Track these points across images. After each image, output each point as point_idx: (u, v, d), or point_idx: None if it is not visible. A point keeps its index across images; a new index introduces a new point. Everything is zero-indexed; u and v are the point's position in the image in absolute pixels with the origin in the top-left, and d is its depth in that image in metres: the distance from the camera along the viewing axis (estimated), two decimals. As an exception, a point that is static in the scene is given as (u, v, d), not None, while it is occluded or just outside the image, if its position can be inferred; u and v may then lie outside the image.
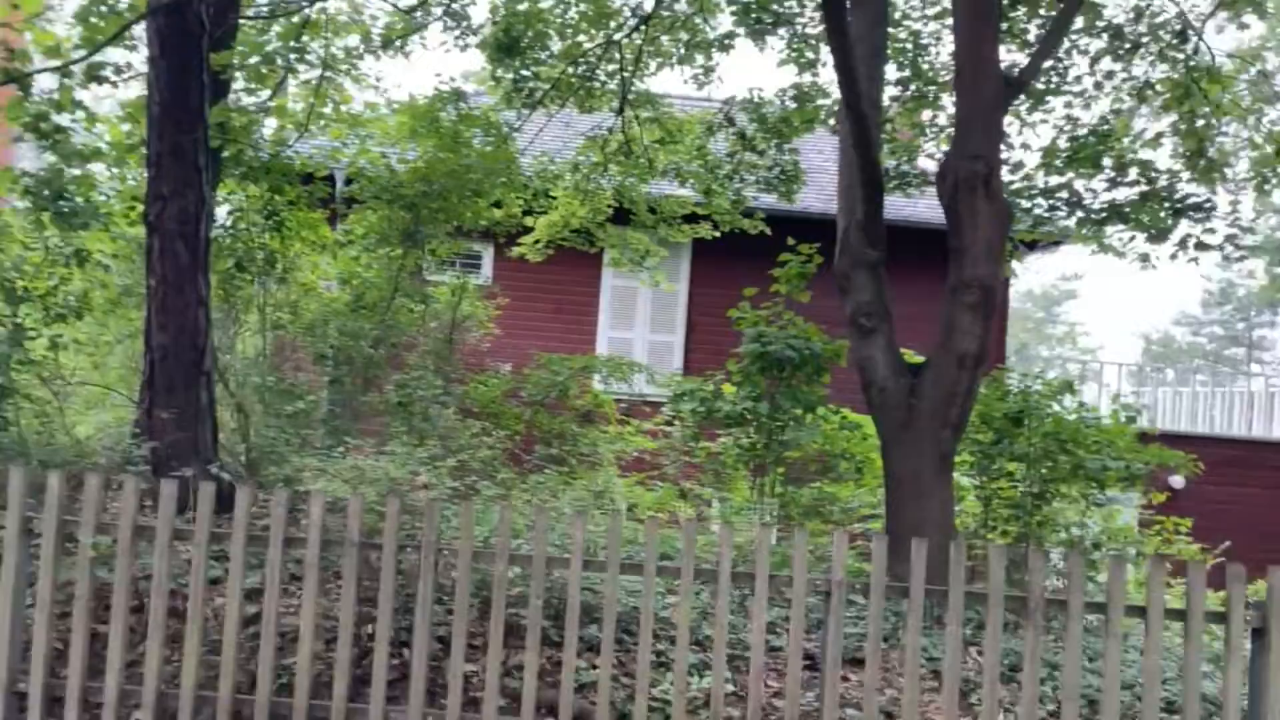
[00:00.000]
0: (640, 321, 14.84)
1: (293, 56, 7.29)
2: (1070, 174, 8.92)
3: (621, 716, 4.60)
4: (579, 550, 4.29)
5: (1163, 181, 8.96)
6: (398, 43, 8.67)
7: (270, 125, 8.97)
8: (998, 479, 7.36)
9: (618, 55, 10.53)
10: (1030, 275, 35.75)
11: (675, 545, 5.96)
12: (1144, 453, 7.77)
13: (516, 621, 4.83)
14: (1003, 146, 9.17)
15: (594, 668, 4.72)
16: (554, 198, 12.16)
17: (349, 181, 9.49)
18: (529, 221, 12.15)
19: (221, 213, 8.48)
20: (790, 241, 7.60)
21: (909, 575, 4.43)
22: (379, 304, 7.97)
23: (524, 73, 10.53)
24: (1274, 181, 9.88)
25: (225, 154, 7.52)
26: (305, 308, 8.92)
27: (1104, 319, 47.38)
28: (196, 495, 4.49)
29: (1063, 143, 9.37)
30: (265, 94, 8.56)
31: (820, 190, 13.98)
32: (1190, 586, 4.42)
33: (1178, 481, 15.15)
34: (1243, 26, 9.16)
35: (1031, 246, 15.58)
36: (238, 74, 7.48)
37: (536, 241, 12.41)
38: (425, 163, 7.75)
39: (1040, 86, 9.34)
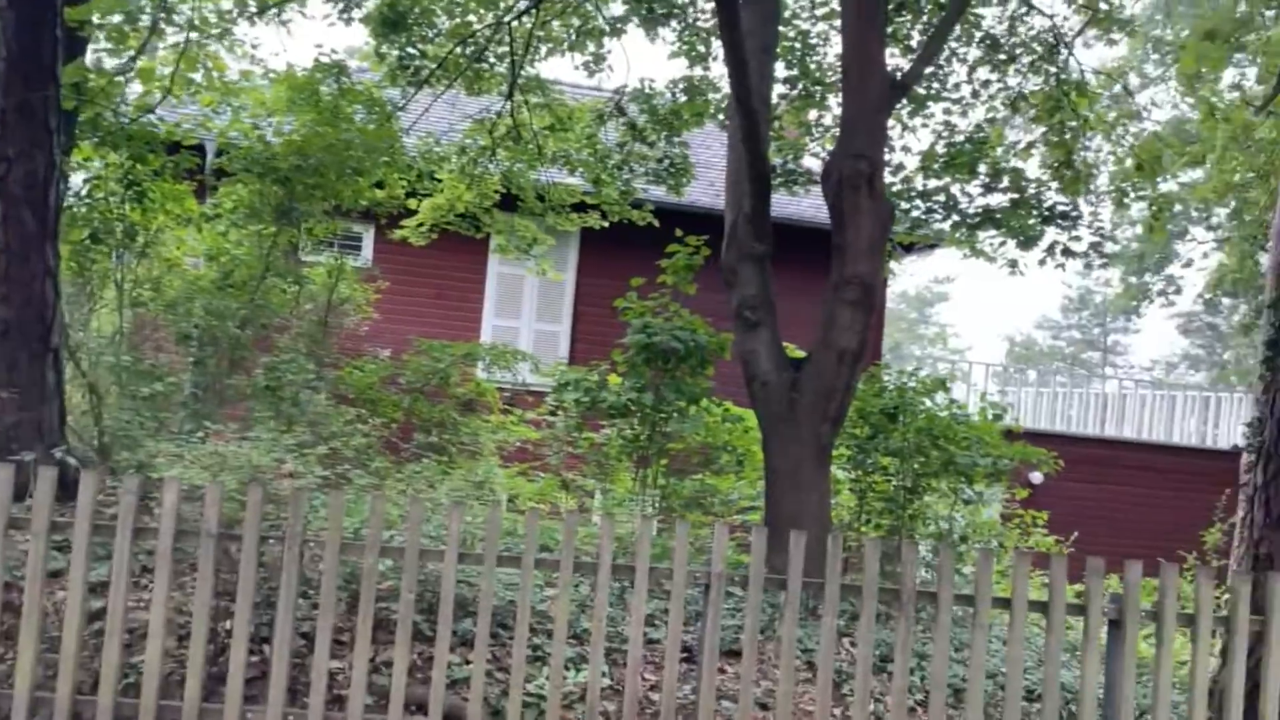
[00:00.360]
0: (526, 310, 14.64)
1: (159, 16, 6.85)
2: (947, 179, 9.19)
3: (495, 713, 4.48)
4: (454, 542, 4.15)
5: (1032, 190, 9.32)
6: (275, 10, 8.27)
7: (136, 90, 8.43)
8: (872, 473, 7.52)
9: (508, 38, 10.33)
10: (906, 277, 37.04)
11: (556, 537, 5.86)
12: (1009, 449, 8.07)
13: (388, 616, 4.65)
14: (885, 148, 9.40)
15: (468, 663, 4.58)
16: (439, 180, 11.86)
17: (220, 153, 9.02)
18: (412, 204, 11.82)
19: (76, 180, 7.92)
20: (679, 234, 7.58)
21: (787, 567, 4.44)
22: (248, 283, 7.58)
23: (410, 50, 10.22)
24: (1132, 195, 10.43)
25: (81, 117, 7.02)
26: (169, 285, 8.43)
27: (972, 321, 49.51)
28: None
29: (941, 148, 9.66)
30: (128, 55, 8.03)
31: (709, 185, 14.05)
32: (1052, 579, 4.58)
33: (1037, 477, 15.86)
34: (1111, 43, 9.60)
35: (909, 249, 16.07)
36: (97, 32, 6.99)
37: (420, 225, 12.08)
38: (301, 136, 7.40)
39: (921, 91, 9.59)
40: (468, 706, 4.22)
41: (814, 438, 6.36)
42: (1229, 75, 16.76)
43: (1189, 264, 23.66)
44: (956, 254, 10.70)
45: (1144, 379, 19.67)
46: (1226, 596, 4.91)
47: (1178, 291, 23.79)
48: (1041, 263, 9.43)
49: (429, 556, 4.27)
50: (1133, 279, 23.49)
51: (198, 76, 9.80)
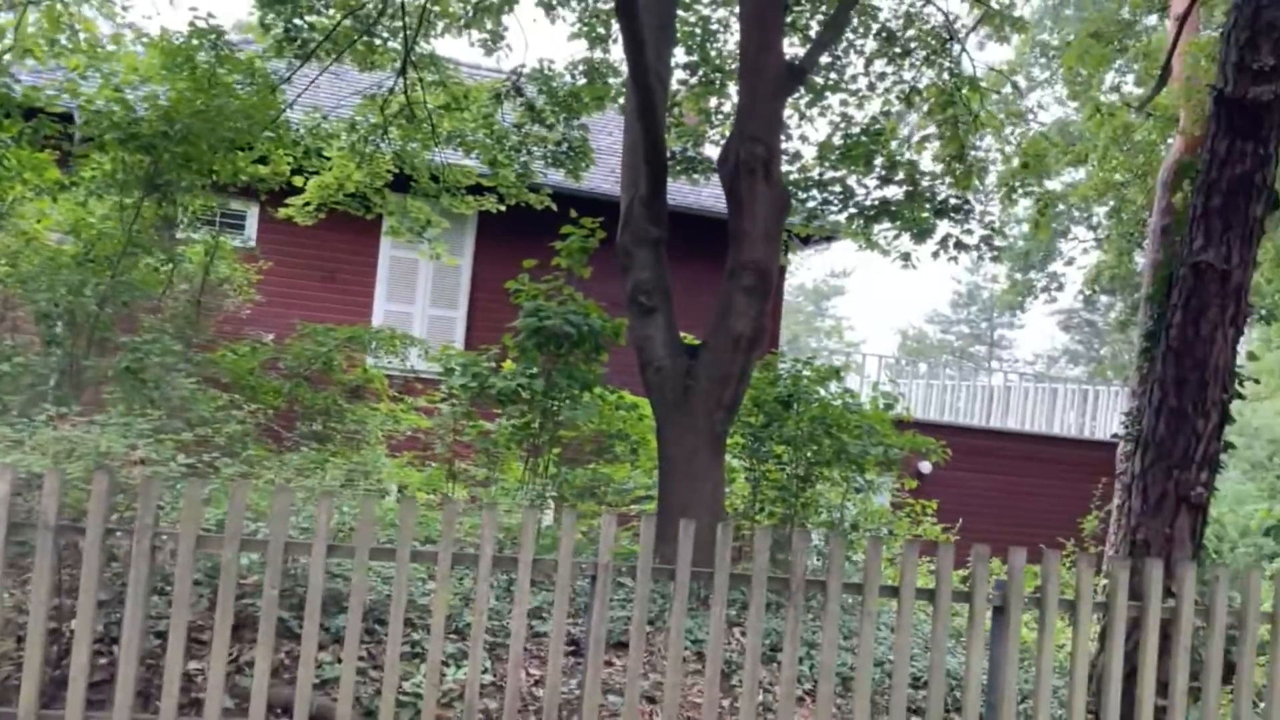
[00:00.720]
0: (420, 295, 14.23)
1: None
2: (844, 170, 9.23)
3: (368, 713, 4.24)
4: (323, 533, 3.89)
5: (926, 184, 9.44)
6: (146, -32, 7.73)
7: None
8: (766, 461, 7.48)
9: (401, 12, 9.95)
10: (804, 271, 37.62)
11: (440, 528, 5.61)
12: (900, 439, 8.15)
13: (253, 613, 4.35)
14: (783, 138, 9.39)
15: (339, 661, 4.32)
16: (328, 158, 11.39)
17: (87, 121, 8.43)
18: (299, 181, 11.31)
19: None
20: (574, 217, 7.38)
21: (676, 557, 4.32)
22: (112, 258, 7.08)
23: (296, 21, 9.76)
24: (1020, 192, 10.68)
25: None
26: (27, 259, 7.83)
27: (867, 315, 50.71)
28: None
29: (837, 139, 9.70)
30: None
31: (610, 172, 13.88)
32: (939, 568, 4.57)
33: (925, 467, 16.23)
34: (1003, 40, 9.78)
35: (806, 241, 16.24)
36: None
37: (307, 204, 11.56)
38: (169, 101, 6.93)
39: (819, 82, 9.62)
40: (337, 707, 3.97)
41: (708, 425, 6.27)
42: (1110, 79, 17.43)
43: (1070, 262, 24.60)
44: (852, 247, 10.80)
45: (1027, 373, 20.40)
46: (1105, 582, 4.99)
47: (1060, 288, 24.77)
48: (935, 255, 9.57)
49: (296, 549, 4.00)
50: (1018, 275, 24.35)
51: (63, 38, 9.12)
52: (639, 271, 6.41)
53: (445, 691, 4.42)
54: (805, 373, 7.24)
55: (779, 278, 6.29)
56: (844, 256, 54.82)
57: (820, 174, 9.24)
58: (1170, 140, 13.04)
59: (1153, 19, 15.48)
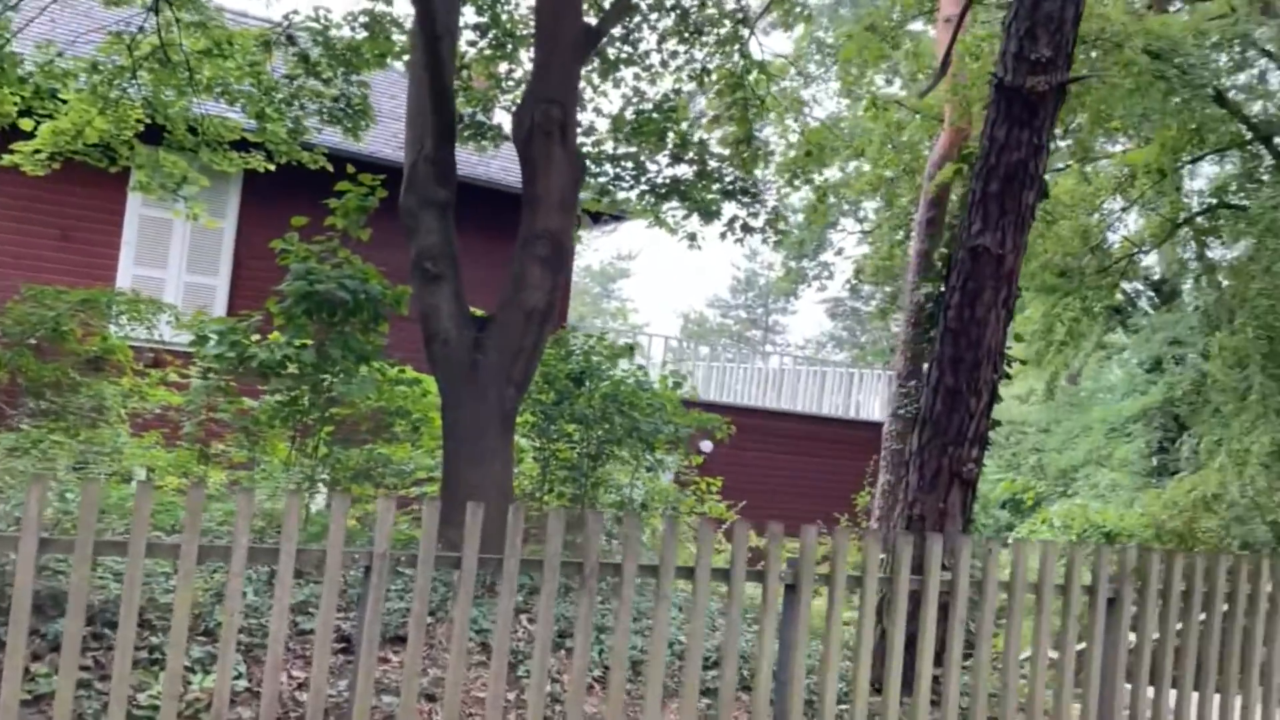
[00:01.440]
0: (176, 259, 12.93)
1: None
2: (636, 145, 9.09)
3: (93, 733, 3.63)
4: (34, 525, 3.25)
5: (715, 164, 9.46)
6: None
7: None
8: (557, 440, 7.23)
9: (153, -62, 8.89)
10: (590, 252, 37.67)
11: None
12: (689, 417, 8.12)
13: (-54, 621, 3.62)
14: (578, 102, 9.13)
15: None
16: (64, 100, 10.07)
17: None
18: (27, 125, 9.95)
19: None
20: (351, 173, 6.79)
21: (462, 543, 3.97)
22: None
23: (23, -63, 8.51)
24: (801, 179, 10.96)
25: None
26: None
27: (651, 298, 51.66)
28: None
29: (630, 114, 9.54)
30: None
31: (393, 136, 13.13)
32: (734, 547, 4.47)
33: (707, 446, 16.60)
34: (789, 28, 9.94)
35: (596, 219, 16.13)
36: None
37: (38, 151, 10.19)
38: None
39: (613, 54, 9.42)
40: (53, 730, 3.35)
41: (498, 402, 5.92)
42: (880, 80, 18.37)
43: (840, 252, 25.94)
44: (639, 228, 10.74)
45: (799, 356, 21.34)
46: (883, 557, 5.09)
47: (830, 277, 26.09)
48: (722, 236, 9.63)
49: (4, 544, 3.33)
50: (793, 264, 25.41)
51: None
52: (424, 236, 5.95)
53: (190, 702, 3.87)
54: (597, 350, 7.02)
55: (572, 249, 6.01)
56: (630, 239, 55.53)
57: (614, 149, 9.05)
58: (936, 138, 13.86)
59: (919, 24, 16.43)
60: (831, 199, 24.22)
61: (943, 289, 5.85)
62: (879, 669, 4.84)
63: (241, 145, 10.48)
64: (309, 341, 5.46)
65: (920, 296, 10.20)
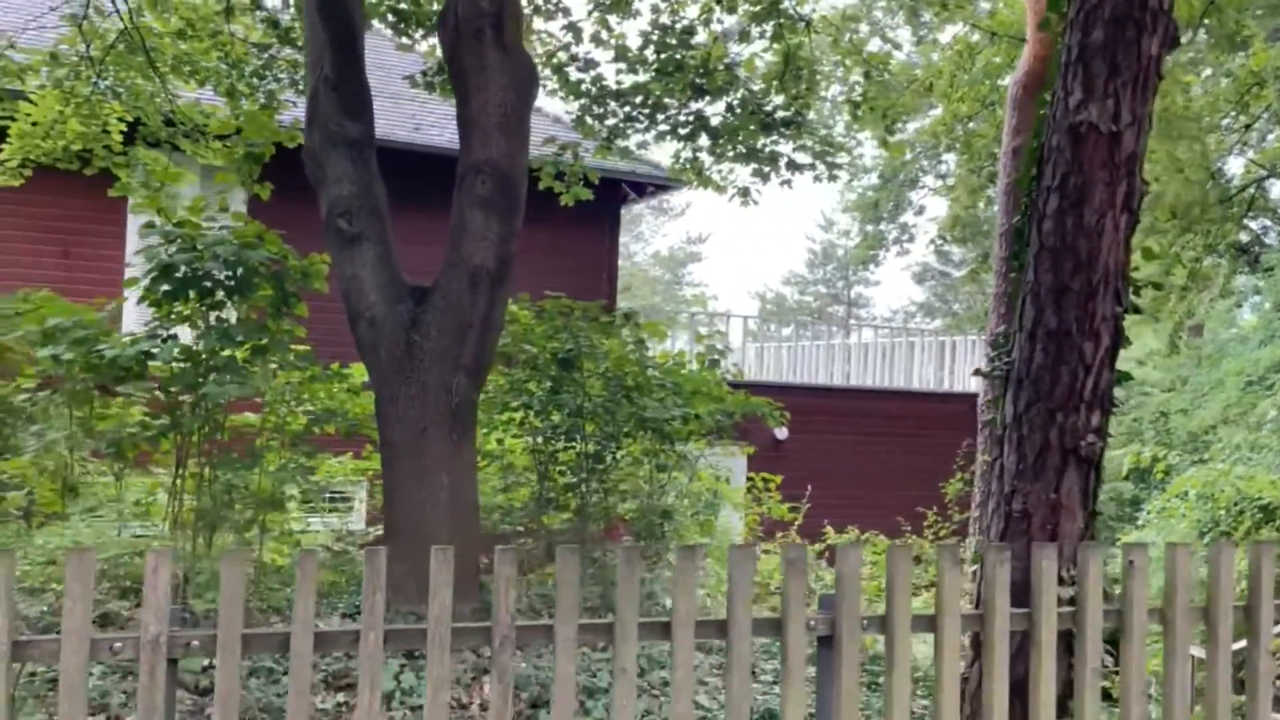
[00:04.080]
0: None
1: None
2: (647, 76, 7.56)
3: None
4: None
5: (746, 91, 7.87)
6: None
7: None
8: (554, 440, 5.81)
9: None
10: (659, 237, 36.17)
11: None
12: (734, 400, 6.63)
13: None
14: (576, 41, 7.65)
15: None
16: (30, 100, 9.11)
17: None
18: (-6, 128, 9.04)
19: None
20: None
21: (421, 596, 2.56)
22: None
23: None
24: (864, 109, 9.26)
25: None
26: None
27: (725, 280, 49.80)
28: None
29: (648, 48, 8.00)
30: None
31: (409, 117, 11.82)
32: (736, 580, 2.95)
33: (781, 433, 14.98)
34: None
35: (639, 191, 14.64)
36: None
37: (6, 160, 9.28)
38: None
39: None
40: None
41: (442, 395, 4.52)
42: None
43: (921, 211, 23.88)
44: (709, 207, 9.20)
45: (887, 327, 19.55)
46: (974, 569, 3.50)
47: (910, 240, 24.03)
48: (765, 177, 8.04)
49: None
50: (869, 228, 23.46)
51: None
52: (334, 185, 4.59)
53: None
54: (583, 320, 5.55)
55: (524, 181, 4.46)
56: (700, 221, 53.83)
57: (618, 83, 7.54)
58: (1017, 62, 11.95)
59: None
60: (908, 155, 22.25)
61: (1032, 195, 4.21)
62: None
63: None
64: (170, 333, 4.14)
65: (1007, 226, 8.44)
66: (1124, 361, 4.16)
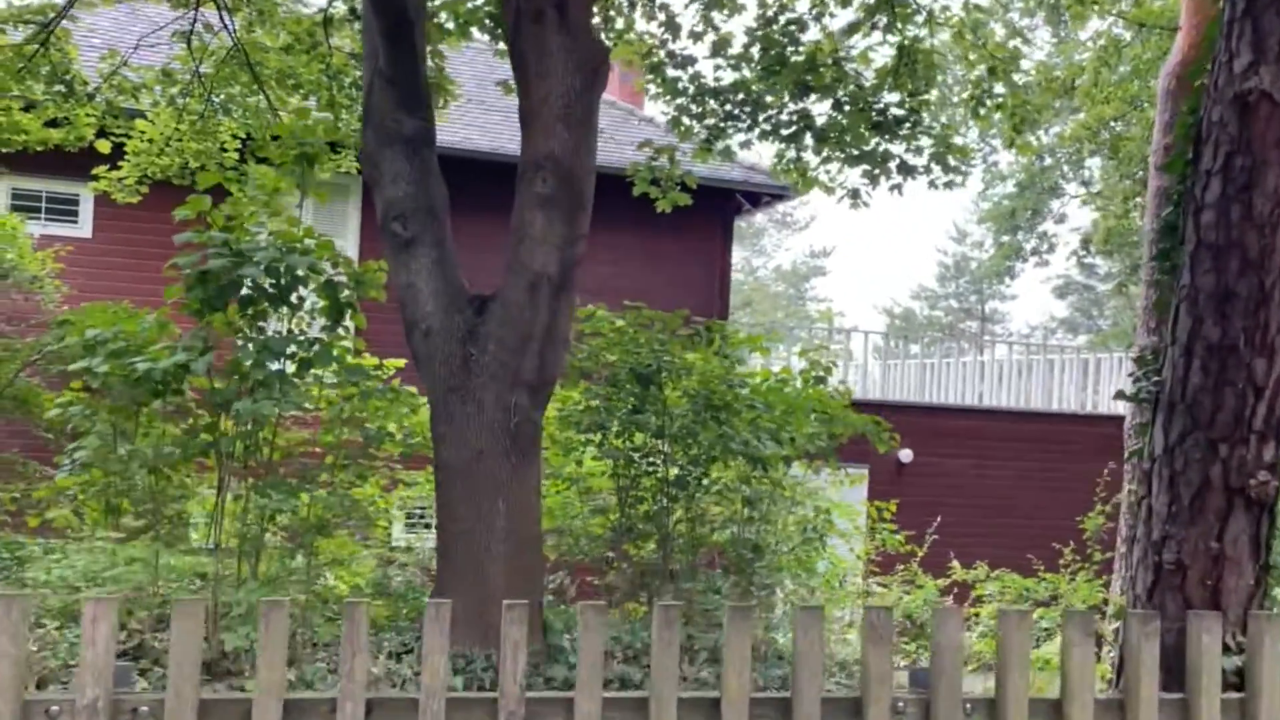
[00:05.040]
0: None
1: None
2: (750, 73, 7.03)
3: None
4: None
5: (856, 86, 7.25)
6: None
7: None
8: (636, 463, 5.33)
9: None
10: (781, 251, 35.30)
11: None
12: (845, 420, 6.04)
13: None
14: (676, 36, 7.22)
15: None
16: (146, 115, 9.31)
17: None
18: (104, 147, 9.25)
19: None
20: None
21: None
22: None
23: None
24: (990, 105, 8.49)
25: None
26: None
27: (851, 295, 48.34)
28: None
29: (750, 42, 7.48)
30: None
31: (496, 124, 11.59)
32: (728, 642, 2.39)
33: (906, 455, 14.08)
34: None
35: (754, 201, 14.07)
36: None
37: (122, 178, 9.49)
38: None
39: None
40: None
41: (500, 414, 4.12)
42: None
43: (1062, 220, 22.40)
44: (834, 219, 8.61)
45: (1022, 344, 18.30)
46: (1111, 651, 2.84)
47: (1050, 250, 22.54)
48: (875, 180, 7.40)
49: None
50: (1005, 239, 22.08)
51: None
52: (390, 186, 4.25)
53: None
54: (661, 335, 5.05)
55: (590, 179, 4.02)
56: (824, 235, 52.59)
57: (716, 79, 7.05)
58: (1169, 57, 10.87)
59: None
60: (1048, 159, 20.92)
61: (1187, 182, 3.51)
62: None
63: (332, 147, 9.30)
64: (205, 345, 3.85)
65: (1156, 227, 7.49)
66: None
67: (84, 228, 11.43)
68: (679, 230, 12.43)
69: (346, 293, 4.30)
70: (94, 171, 9.18)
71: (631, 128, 12.88)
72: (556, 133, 3.99)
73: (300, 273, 3.94)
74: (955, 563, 8.96)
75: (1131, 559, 3.75)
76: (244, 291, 3.94)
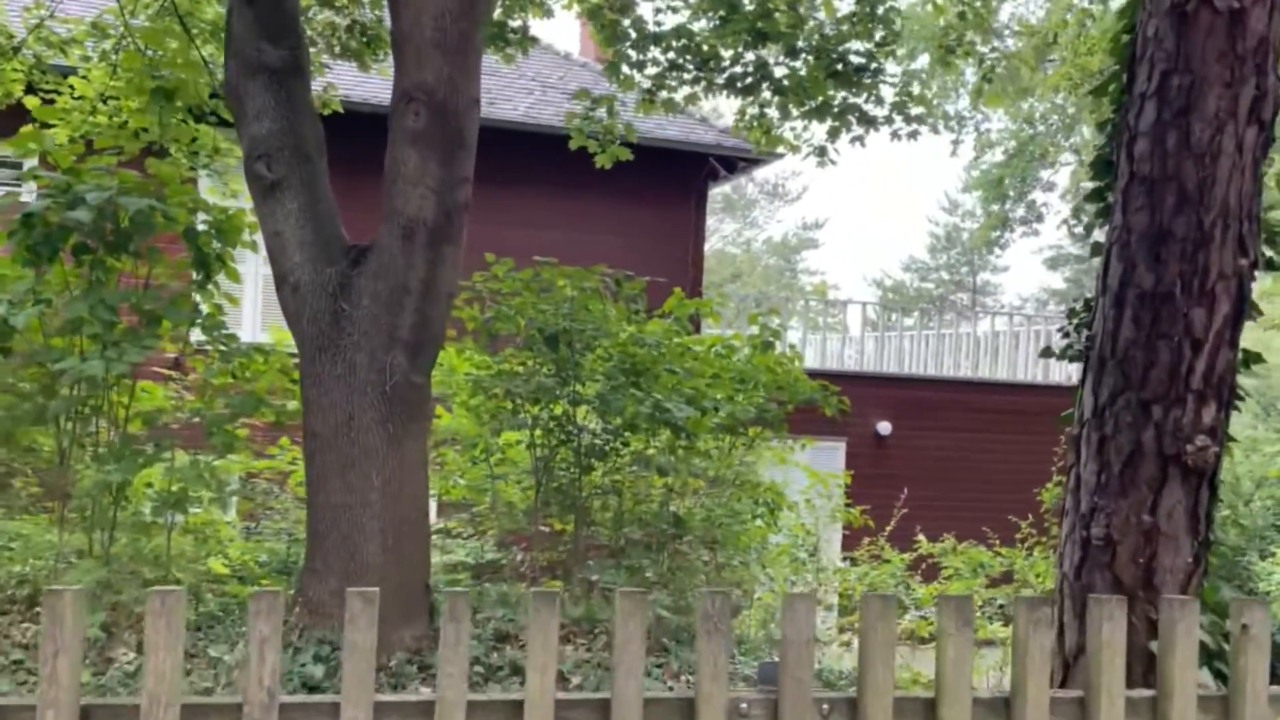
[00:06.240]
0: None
1: None
2: (690, 17, 6.60)
3: None
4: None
5: (815, 33, 6.81)
6: None
7: None
8: (551, 432, 4.96)
9: None
10: (773, 224, 34.70)
11: None
12: (800, 385, 5.68)
13: None
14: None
15: None
16: (85, 76, 8.84)
17: None
18: (32, 103, 8.78)
19: None
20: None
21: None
22: None
23: None
24: (959, 53, 8.03)
25: None
26: None
27: (844, 268, 47.65)
28: None
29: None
30: None
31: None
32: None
33: (885, 428, 13.72)
34: None
35: (731, 168, 13.57)
36: None
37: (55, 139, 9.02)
38: None
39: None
40: None
41: (376, 375, 3.74)
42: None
43: (1051, 188, 21.87)
44: (825, 190, 8.19)
45: (1016, 315, 17.83)
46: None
47: (1039, 219, 22.01)
48: (835, 134, 6.97)
49: None
50: (993, 208, 21.58)
51: None
52: (254, 122, 3.86)
53: None
54: (570, 290, 4.65)
55: (477, 120, 3.62)
56: (816, 207, 51.89)
57: (657, 24, 6.60)
58: None
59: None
60: (1039, 127, 20.39)
61: (1121, 108, 3.11)
62: None
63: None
64: (36, 298, 3.45)
65: (1090, 162, 7.05)
66: (1250, 335, 3.04)
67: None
68: (649, 196, 11.98)
69: (216, 244, 3.90)
70: (21, 131, 8.77)
71: (604, 89, 12.42)
72: (430, 60, 3.58)
73: (140, 218, 3.54)
74: (921, 536, 8.63)
75: (1061, 540, 3.38)
76: (78, 239, 3.55)
